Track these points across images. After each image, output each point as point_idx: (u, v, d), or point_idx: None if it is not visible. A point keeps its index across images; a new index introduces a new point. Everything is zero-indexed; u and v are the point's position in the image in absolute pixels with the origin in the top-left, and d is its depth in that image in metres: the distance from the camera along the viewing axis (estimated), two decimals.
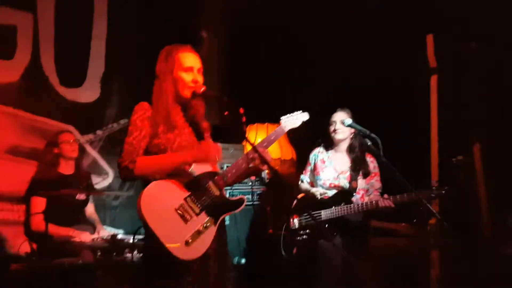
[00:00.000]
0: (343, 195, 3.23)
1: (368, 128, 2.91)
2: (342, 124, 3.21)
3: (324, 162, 3.40)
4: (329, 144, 3.43)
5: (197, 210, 2.17)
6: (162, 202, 2.13)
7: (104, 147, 4.37)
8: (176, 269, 2.11)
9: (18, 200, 3.84)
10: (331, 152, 3.43)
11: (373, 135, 2.86)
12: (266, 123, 4.61)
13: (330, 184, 3.30)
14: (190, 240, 2.11)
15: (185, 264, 2.10)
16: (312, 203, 3.24)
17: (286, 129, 2.47)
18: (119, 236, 3.12)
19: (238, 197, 2.28)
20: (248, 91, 4.52)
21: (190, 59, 2.27)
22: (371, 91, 4.00)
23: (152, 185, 2.13)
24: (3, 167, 3.89)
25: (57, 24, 4.26)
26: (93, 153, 4.34)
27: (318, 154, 3.45)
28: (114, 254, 3.05)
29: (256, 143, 2.31)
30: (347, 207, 3.13)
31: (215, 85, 4.66)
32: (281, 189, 3.19)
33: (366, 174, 3.29)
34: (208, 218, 2.18)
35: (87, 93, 4.41)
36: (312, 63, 4.49)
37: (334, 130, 3.33)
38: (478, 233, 3.59)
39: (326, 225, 3.14)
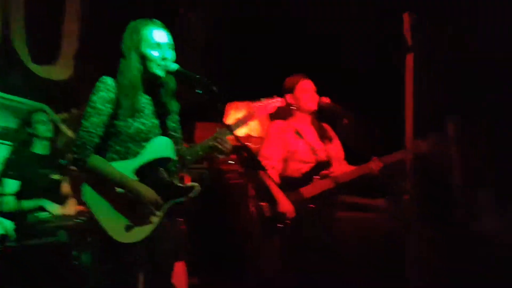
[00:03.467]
0: (322, 167, 3.04)
1: (344, 106, 2.92)
2: (315, 93, 3.07)
3: (294, 135, 3.09)
4: (289, 114, 3.14)
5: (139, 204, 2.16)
6: (106, 188, 2.13)
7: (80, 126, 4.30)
8: (119, 251, 2.13)
9: None
10: (295, 123, 3.13)
11: (347, 113, 2.87)
12: (246, 101, 4.59)
13: (310, 158, 3.06)
14: (131, 225, 2.13)
15: (128, 246, 2.12)
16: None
17: (258, 114, 2.42)
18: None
19: (190, 184, 2.25)
20: (230, 69, 4.49)
21: (158, 35, 2.18)
22: (348, 69, 4.01)
23: None
24: None
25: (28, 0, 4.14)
26: (68, 132, 4.27)
27: (284, 127, 3.11)
28: (90, 234, 3.03)
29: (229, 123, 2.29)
30: (334, 178, 2.98)
31: (196, 63, 4.60)
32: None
33: (330, 142, 3.15)
34: (148, 215, 2.16)
35: (61, 70, 4.32)
36: (293, 41, 4.47)
37: (311, 98, 3.07)
38: (450, 210, 3.68)
39: (311, 205, 2.96)
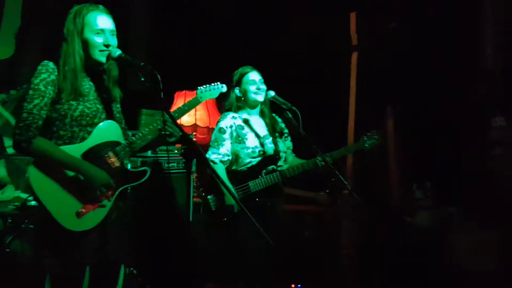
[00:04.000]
0: (270, 161, 3.03)
1: (288, 100, 2.96)
2: (262, 85, 3.05)
3: (243, 128, 3.06)
4: (239, 106, 3.09)
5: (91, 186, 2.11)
6: (55, 171, 2.07)
7: (18, 109, 4.12)
8: (66, 241, 2.07)
9: None
10: (245, 115, 3.10)
11: (294, 108, 2.91)
12: (195, 91, 4.56)
13: (259, 151, 3.02)
14: (82, 211, 2.07)
15: (76, 237, 2.07)
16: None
17: (202, 101, 2.46)
18: (32, 203, 3.00)
19: (141, 168, 2.24)
20: (178, 57, 4.44)
21: (101, 21, 2.16)
22: (295, 64, 4.07)
23: None
24: None
25: None
26: (5, 114, 4.10)
27: (234, 120, 3.06)
28: (26, 221, 2.94)
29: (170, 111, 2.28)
30: (281, 173, 2.96)
31: (143, 50, 4.52)
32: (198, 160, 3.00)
33: (281, 134, 3.16)
34: (101, 197, 2.13)
35: (1, 49, 4.13)
36: (242, 31, 4.47)
37: (259, 89, 3.03)
38: (386, 204, 3.83)
39: (257, 199, 2.94)
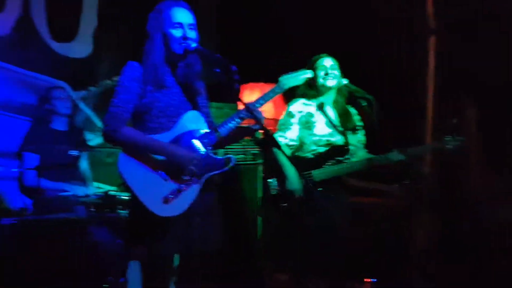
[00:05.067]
0: (338, 152, 2.93)
1: (363, 88, 2.85)
2: (332, 70, 2.95)
3: (313, 116, 2.97)
4: (312, 94, 3.00)
5: (179, 168, 2.16)
6: (142, 158, 2.15)
7: (98, 104, 4.33)
8: (156, 227, 2.12)
9: (11, 156, 3.83)
10: (316, 103, 2.99)
11: (368, 96, 2.80)
12: (261, 83, 4.56)
13: (327, 140, 2.93)
14: (170, 197, 2.12)
15: (164, 222, 2.12)
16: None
17: (286, 88, 2.42)
18: (112, 193, 3.15)
19: (226, 156, 2.26)
20: (245, 49, 4.45)
21: (180, 15, 2.22)
22: (368, 51, 3.92)
23: None
24: None
25: None
26: (86, 110, 4.31)
27: (305, 106, 2.97)
28: (107, 210, 3.09)
29: (251, 101, 2.29)
30: (351, 164, 2.87)
31: (210, 42, 4.57)
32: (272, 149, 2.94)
33: (354, 127, 3.04)
34: (191, 176, 2.17)
35: (79, 48, 4.32)
36: (310, 22, 4.39)
37: (326, 74, 2.93)
38: (465, 196, 3.63)
39: (320, 188, 2.81)
